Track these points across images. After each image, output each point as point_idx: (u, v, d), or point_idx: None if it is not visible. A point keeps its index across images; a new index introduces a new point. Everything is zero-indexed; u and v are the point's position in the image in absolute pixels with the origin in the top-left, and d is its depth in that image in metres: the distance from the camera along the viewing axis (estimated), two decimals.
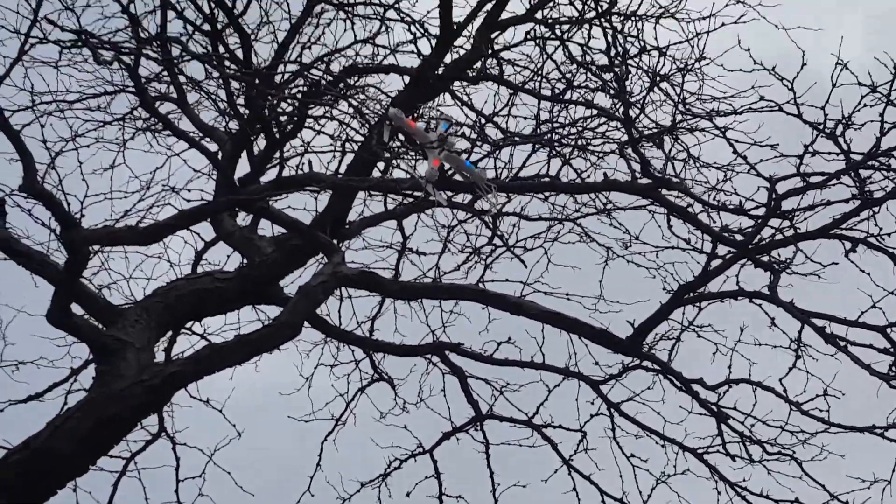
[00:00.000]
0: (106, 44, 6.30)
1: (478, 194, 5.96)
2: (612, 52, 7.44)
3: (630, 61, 7.82)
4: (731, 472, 7.52)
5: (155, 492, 7.83)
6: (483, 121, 7.86)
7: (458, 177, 5.93)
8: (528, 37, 8.12)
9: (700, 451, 7.54)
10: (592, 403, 7.88)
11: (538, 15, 8.08)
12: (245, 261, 7.45)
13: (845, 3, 8.74)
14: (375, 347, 8.13)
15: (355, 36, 8.37)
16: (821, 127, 6.39)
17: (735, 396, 7.23)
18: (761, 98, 6.85)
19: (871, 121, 6.35)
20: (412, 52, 8.28)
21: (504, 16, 7.94)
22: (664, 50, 7.71)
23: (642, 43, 8.00)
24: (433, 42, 7.87)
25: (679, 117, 7.41)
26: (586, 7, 8.11)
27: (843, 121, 6.37)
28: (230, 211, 7.31)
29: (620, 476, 7.84)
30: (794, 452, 7.16)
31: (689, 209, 6.89)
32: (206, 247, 8.24)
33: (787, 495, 7.23)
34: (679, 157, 7.36)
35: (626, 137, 6.89)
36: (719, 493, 7.51)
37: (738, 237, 6.84)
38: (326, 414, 8.45)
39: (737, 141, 6.84)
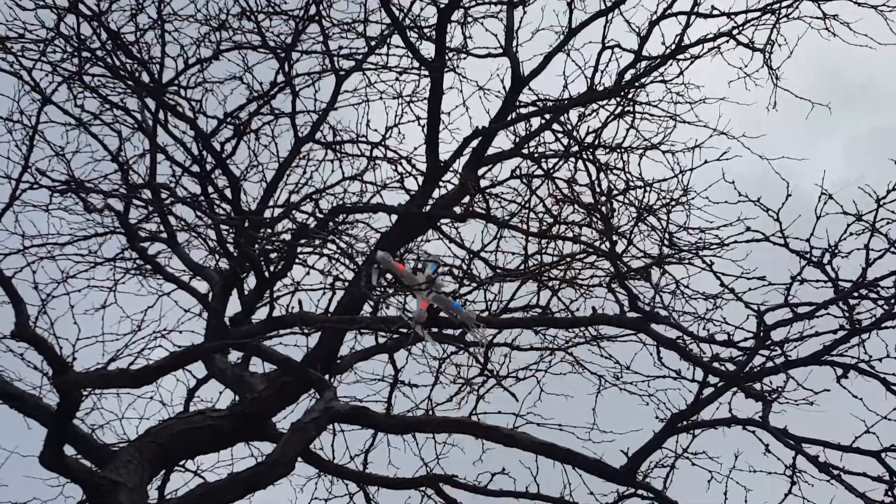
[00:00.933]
0: (95, 191, 6.35)
1: (466, 332, 6.01)
2: (597, 189, 7.55)
3: (616, 196, 7.94)
4: None
5: None
6: (470, 257, 7.94)
7: (446, 315, 5.96)
8: (514, 174, 8.24)
9: None
10: None
11: (524, 150, 8.19)
12: (237, 398, 7.46)
13: (826, 127, 8.82)
14: (369, 481, 8.08)
15: (343, 174, 8.51)
16: (808, 256, 6.44)
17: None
18: (748, 228, 6.91)
19: (857, 249, 6.40)
20: (400, 187, 8.44)
21: (490, 151, 8.04)
22: (650, 184, 7.83)
23: (628, 176, 8.13)
24: (420, 179, 8.00)
25: (666, 251, 7.49)
26: (571, 142, 8.24)
27: (830, 249, 6.42)
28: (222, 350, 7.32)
29: None
30: None
31: (679, 341, 6.90)
32: (198, 384, 8.25)
33: None
34: (667, 288, 7.43)
35: (613, 270, 6.95)
36: None
37: (729, 366, 6.86)
38: None
39: (724, 273, 6.88)
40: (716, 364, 6.91)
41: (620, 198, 8.07)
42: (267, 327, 6.62)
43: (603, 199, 7.71)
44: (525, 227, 8.01)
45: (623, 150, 8.41)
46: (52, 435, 6.19)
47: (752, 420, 6.77)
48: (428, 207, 7.48)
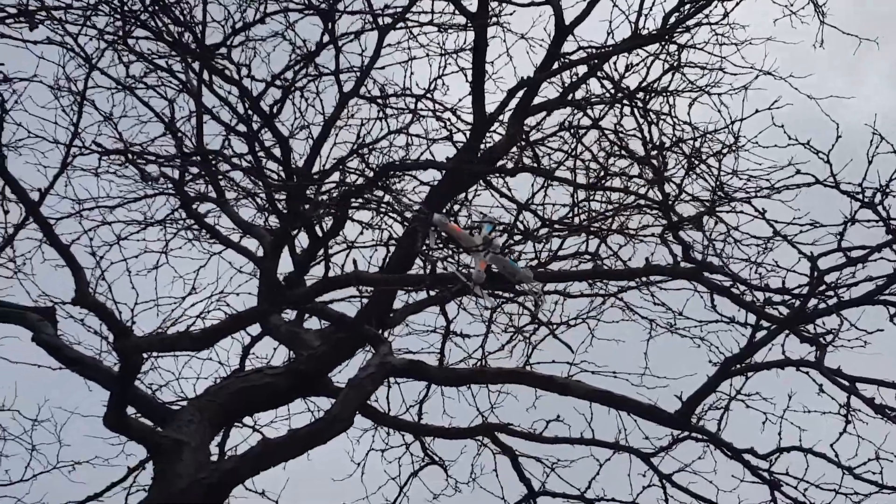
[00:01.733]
0: (152, 161, 6.40)
1: (523, 292, 6.04)
2: (647, 138, 7.54)
3: (666, 146, 7.93)
4: None
5: None
6: (519, 209, 7.95)
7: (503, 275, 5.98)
8: (562, 126, 8.24)
9: None
10: (644, 476, 7.88)
11: (570, 99, 8.18)
12: (292, 355, 7.55)
13: (873, 59, 8.74)
14: (425, 432, 8.19)
15: (389, 128, 8.54)
16: (859, 197, 6.44)
17: (787, 462, 7.21)
18: (798, 172, 6.91)
19: None
20: (447, 139, 8.45)
21: (536, 101, 8.03)
22: (699, 129, 7.84)
23: (675, 121, 8.10)
24: (466, 132, 8.01)
25: (717, 198, 7.47)
26: (617, 89, 8.21)
27: (882, 189, 6.42)
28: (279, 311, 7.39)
29: None
30: None
31: (733, 288, 6.92)
32: (253, 342, 8.37)
33: None
34: (719, 236, 7.42)
35: (665, 220, 6.97)
36: None
37: (783, 310, 6.89)
38: (380, 500, 8.49)
39: (776, 221, 6.89)
40: (769, 309, 6.94)
41: (670, 146, 8.05)
42: (322, 287, 6.66)
43: (653, 149, 7.67)
44: (573, 177, 8.02)
45: (670, 94, 8.39)
46: (115, 397, 6.30)
47: (806, 361, 6.81)
48: (476, 161, 7.47)
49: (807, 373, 6.91)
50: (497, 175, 7.99)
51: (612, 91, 8.21)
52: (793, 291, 6.83)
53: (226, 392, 6.98)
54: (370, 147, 8.36)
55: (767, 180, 7.49)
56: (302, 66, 7.83)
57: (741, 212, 7.36)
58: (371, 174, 7.18)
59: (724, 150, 7.76)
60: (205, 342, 6.70)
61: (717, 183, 7.36)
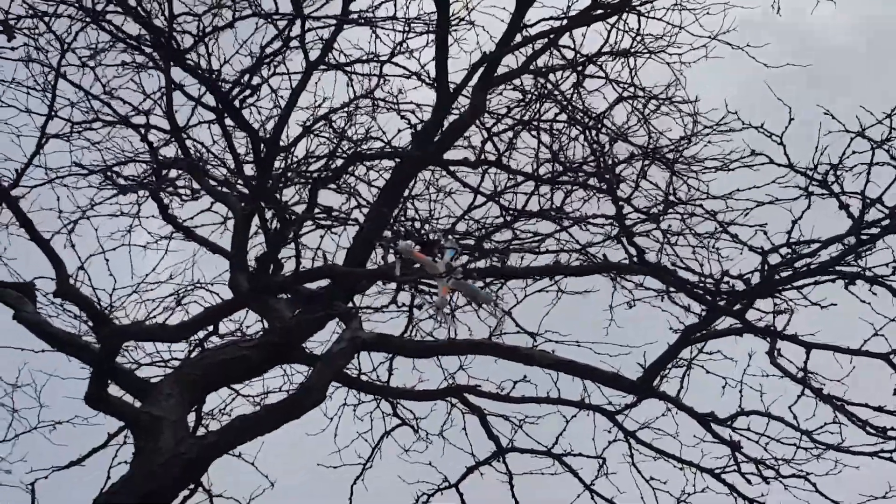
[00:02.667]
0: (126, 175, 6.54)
1: (487, 312, 6.22)
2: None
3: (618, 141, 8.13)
4: (749, 489, 7.69)
5: None
6: (477, 199, 8.16)
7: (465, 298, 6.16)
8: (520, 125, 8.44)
9: (717, 470, 7.71)
10: (609, 432, 8.12)
11: (531, 66, 8.34)
12: (265, 324, 7.72)
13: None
14: (395, 394, 8.37)
15: (354, 93, 8.69)
16: (811, 174, 6.64)
17: (749, 419, 7.44)
18: (753, 152, 7.08)
19: (860, 163, 6.61)
20: (410, 104, 8.63)
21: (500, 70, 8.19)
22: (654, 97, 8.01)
23: (635, 86, 8.29)
24: (431, 94, 8.17)
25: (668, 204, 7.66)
26: (577, 55, 8.39)
27: (834, 167, 6.62)
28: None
29: (642, 498, 8.04)
30: (807, 474, 7.34)
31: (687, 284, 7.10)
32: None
33: None
34: (672, 234, 7.61)
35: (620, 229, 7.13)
36: None
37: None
38: (353, 457, 8.70)
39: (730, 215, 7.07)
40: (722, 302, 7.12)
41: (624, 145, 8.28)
42: (295, 280, 6.86)
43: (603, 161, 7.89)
44: (535, 166, 8.20)
45: (629, 55, 8.57)
46: (95, 376, 6.50)
47: (766, 329, 7.01)
48: (435, 152, 7.67)
49: (765, 339, 7.11)
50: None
51: (572, 57, 8.37)
52: (742, 292, 6.98)
53: (202, 365, 7.14)
54: (335, 112, 8.56)
55: (724, 160, 7.71)
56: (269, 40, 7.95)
57: (692, 214, 7.55)
58: (339, 158, 7.34)
59: (679, 152, 7.95)
60: (182, 335, 6.89)
61: (669, 188, 7.53)
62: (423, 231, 7.35)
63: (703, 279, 7.16)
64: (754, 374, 7.32)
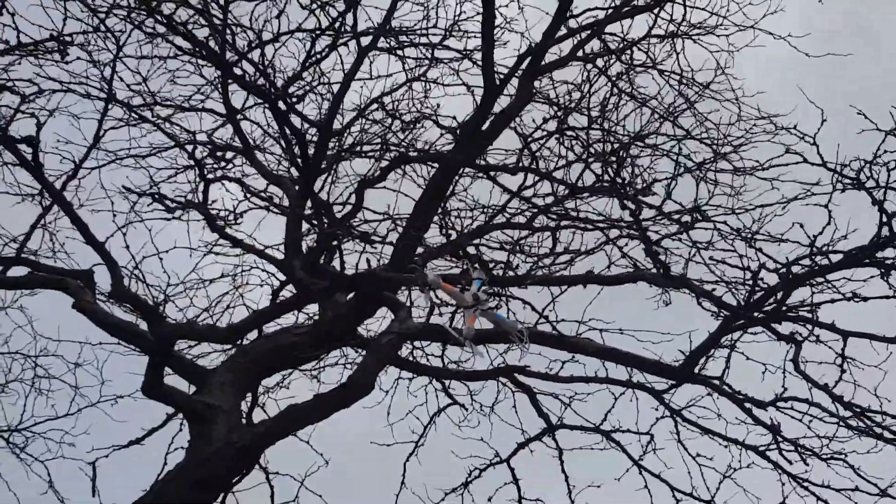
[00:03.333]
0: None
1: (511, 340, 6.36)
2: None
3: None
4: (792, 466, 7.80)
5: None
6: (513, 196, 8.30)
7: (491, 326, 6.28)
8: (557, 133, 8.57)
9: (761, 448, 7.85)
10: (657, 409, 8.27)
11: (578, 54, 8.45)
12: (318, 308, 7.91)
13: None
14: (447, 375, 8.55)
15: (407, 76, 8.85)
16: (845, 172, 6.71)
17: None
18: (787, 150, 7.11)
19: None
20: (461, 85, 8.78)
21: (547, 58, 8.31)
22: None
23: (681, 71, 8.36)
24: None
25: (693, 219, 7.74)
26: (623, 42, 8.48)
27: (868, 163, 6.67)
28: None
29: (689, 473, 8.19)
30: (847, 454, 7.44)
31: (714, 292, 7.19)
32: (282, 286, 8.71)
33: (848, 484, 7.48)
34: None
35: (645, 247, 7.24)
36: (783, 483, 7.82)
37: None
38: (405, 432, 8.89)
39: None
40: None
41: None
42: (339, 286, 7.05)
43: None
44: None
45: (675, 36, 8.65)
46: (151, 368, 6.74)
47: (803, 317, 7.11)
48: (477, 156, 7.82)
49: (804, 325, 7.21)
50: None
51: (617, 45, 8.46)
52: (765, 304, 7.08)
53: (255, 353, 7.39)
54: (388, 95, 8.74)
55: (757, 161, 7.80)
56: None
57: (718, 228, 7.63)
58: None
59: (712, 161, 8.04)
60: (230, 337, 7.10)
61: (694, 206, 7.60)
62: (458, 242, 7.46)
63: (731, 284, 7.23)
64: (803, 361, 7.32)
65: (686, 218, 7.75)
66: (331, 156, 8.46)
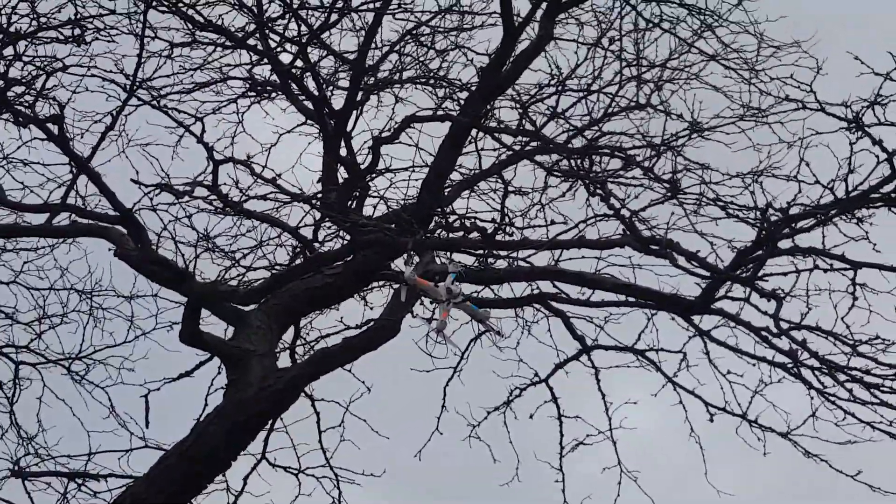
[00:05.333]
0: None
1: (487, 328, 6.56)
2: None
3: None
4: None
5: (300, 440, 8.72)
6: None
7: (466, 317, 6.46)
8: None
9: (789, 364, 8.02)
10: (687, 330, 8.45)
11: None
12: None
13: None
14: (480, 304, 8.72)
15: (439, 6, 9.01)
16: (844, 115, 6.78)
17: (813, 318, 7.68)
18: (786, 98, 7.19)
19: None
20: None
21: None
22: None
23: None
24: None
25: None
26: None
27: (872, 102, 6.71)
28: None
29: (721, 388, 8.39)
30: (864, 376, 7.59)
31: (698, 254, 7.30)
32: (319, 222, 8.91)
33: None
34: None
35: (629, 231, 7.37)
36: (811, 398, 7.90)
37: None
38: (445, 362, 8.92)
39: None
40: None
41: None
42: (356, 247, 7.33)
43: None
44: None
45: None
46: (187, 317, 7.11)
47: (814, 248, 7.23)
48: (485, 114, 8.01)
49: (813, 259, 7.34)
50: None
51: None
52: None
53: (290, 294, 7.72)
54: (420, 27, 8.90)
55: (757, 108, 7.87)
56: None
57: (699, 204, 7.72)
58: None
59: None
60: (252, 299, 7.39)
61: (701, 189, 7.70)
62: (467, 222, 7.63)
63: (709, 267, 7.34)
64: (816, 291, 7.46)
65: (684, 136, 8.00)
66: (365, 88, 8.63)
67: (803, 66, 7.69)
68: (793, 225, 7.07)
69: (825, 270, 7.32)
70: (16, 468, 8.42)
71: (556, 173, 8.36)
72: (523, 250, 7.29)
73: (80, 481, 7.98)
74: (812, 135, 6.91)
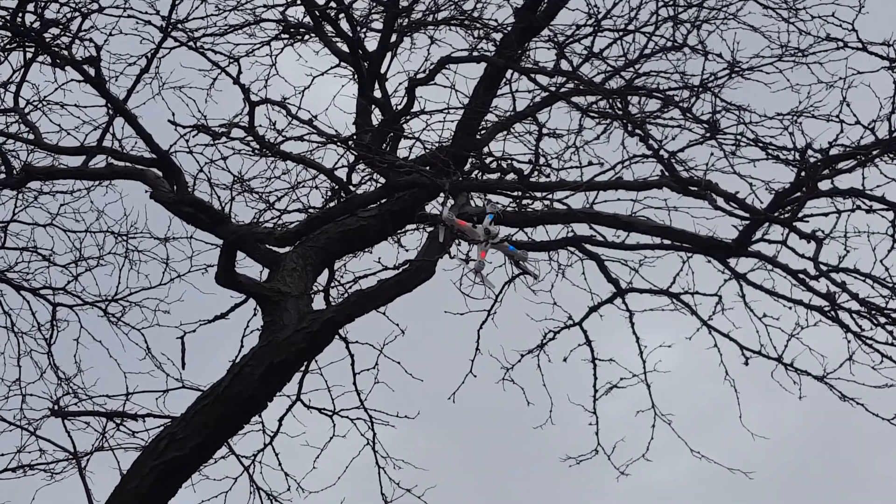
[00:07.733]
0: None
1: (523, 270, 6.53)
2: None
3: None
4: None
5: (334, 382, 8.73)
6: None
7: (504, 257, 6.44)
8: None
9: (826, 308, 7.99)
10: (723, 272, 8.44)
11: None
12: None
13: None
14: (515, 246, 8.73)
15: None
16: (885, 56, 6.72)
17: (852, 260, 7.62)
18: (828, 36, 7.12)
19: None
20: None
21: None
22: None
23: None
24: None
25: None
26: None
27: None
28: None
29: (757, 332, 8.40)
30: None
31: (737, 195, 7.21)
32: (355, 162, 8.88)
33: None
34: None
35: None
36: (848, 342, 7.90)
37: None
38: (479, 304, 8.91)
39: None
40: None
41: None
42: (389, 191, 7.32)
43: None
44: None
45: None
46: (223, 259, 7.13)
47: (855, 189, 7.19)
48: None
49: (853, 201, 7.30)
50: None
51: None
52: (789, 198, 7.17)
53: (325, 237, 7.69)
54: None
55: (797, 48, 7.78)
56: None
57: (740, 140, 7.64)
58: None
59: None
60: (287, 241, 7.39)
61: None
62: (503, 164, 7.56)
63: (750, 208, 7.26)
64: (856, 233, 7.48)
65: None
66: (399, 29, 8.60)
67: (844, 4, 7.52)
68: (833, 166, 7.00)
69: (866, 212, 7.27)
70: (55, 408, 8.48)
71: (592, 114, 8.24)
72: (559, 192, 7.17)
73: (118, 421, 7.97)
74: (853, 74, 6.86)
